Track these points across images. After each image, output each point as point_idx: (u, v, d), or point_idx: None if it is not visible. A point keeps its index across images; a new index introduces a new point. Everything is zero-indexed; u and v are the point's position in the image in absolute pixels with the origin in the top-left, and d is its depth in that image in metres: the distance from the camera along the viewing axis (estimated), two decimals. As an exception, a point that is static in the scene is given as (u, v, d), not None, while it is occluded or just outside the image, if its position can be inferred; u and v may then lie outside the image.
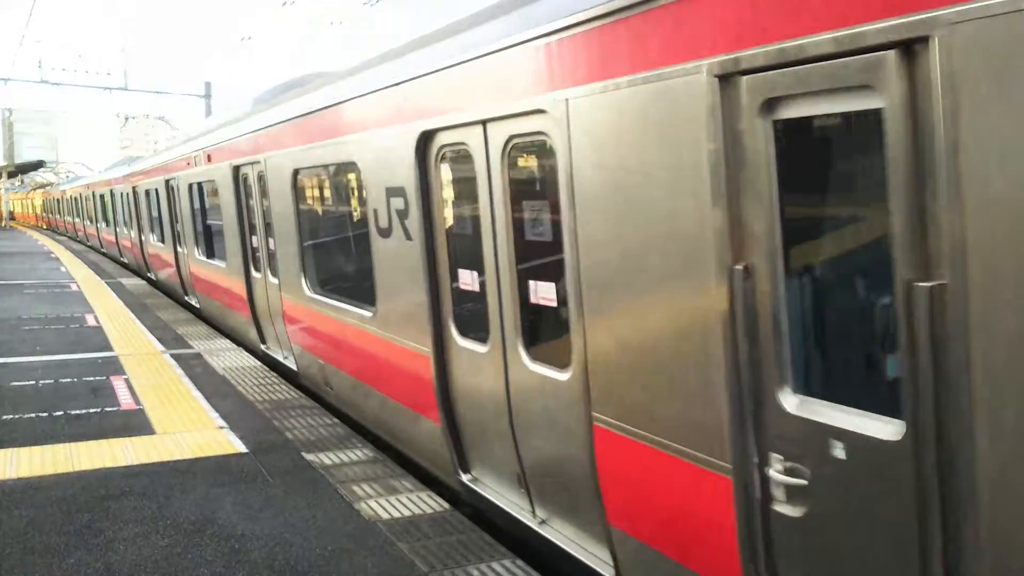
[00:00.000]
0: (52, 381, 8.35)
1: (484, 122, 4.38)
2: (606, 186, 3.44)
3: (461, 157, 4.78)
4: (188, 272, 13.78)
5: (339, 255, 7.51)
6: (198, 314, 13.26)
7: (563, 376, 4.00)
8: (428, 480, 5.63)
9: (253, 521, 4.80)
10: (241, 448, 6.19)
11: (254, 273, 9.63)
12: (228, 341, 10.80)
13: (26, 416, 7.05)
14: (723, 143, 2.81)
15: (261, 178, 8.75)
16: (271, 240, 8.71)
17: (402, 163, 5.19)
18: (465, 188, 4.83)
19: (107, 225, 26.51)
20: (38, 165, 53.71)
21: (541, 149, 4.16)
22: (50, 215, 54.10)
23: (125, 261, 23.29)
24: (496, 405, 4.64)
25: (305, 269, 7.72)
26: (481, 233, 4.56)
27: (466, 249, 4.83)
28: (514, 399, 4.47)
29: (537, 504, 4.50)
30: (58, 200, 47.94)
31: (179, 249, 14.35)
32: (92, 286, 17.34)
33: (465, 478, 5.14)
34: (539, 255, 4.23)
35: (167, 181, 14.44)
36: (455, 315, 5.04)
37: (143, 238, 18.91)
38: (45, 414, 7.12)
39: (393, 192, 5.38)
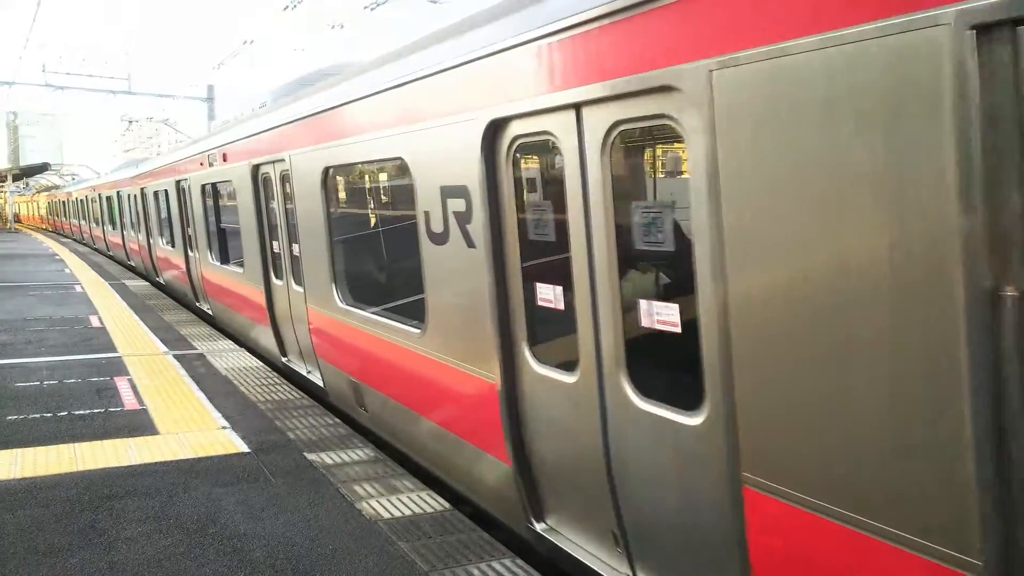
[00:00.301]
0: (56, 382, 8.39)
1: (577, 106, 3.65)
2: (774, 178, 2.69)
3: (543, 149, 4.15)
4: (200, 277, 13.24)
5: (379, 263, 6.86)
6: (210, 321, 12.78)
7: (691, 420, 3.25)
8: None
9: (255, 520, 4.82)
10: (243, 448, 6.22)
11: (275, 281, 9.00)
12: (230, 342, 10.83)
13: (31, 416, 7.09)
14: (978, 120, 2.09)
15: (285, 178, 8.08)
16: (295, 245, 8.00)
17: (464, 158, 4.47)
18: (548, 186, 4.20)
19: (113, 228, 25.99)
20: (43, 168, 53.83)
21: (659, 135, 3.48)
22: (55, 218, 54.11)
23: (132, 264, 22.81)
24: (588, 447, 3.91)
25: (336, 278, 6.99)
26: (570, 240, 3.85)
27: (548, 259, 4.15)
28: (614, 442, 3.76)
29: (641, 570, 3.83)
30: (63, 203, 47.42)
31: (190, 253, 13.73)
32: (96, 288, 17.40)
33: (539, 527, 4.45)
34: (654, 267, 3.63)
35: (178, 182, 13.87)
36: (530, 337, 4.31)
37: (151, 241, 18.26)
38: (49, 414, 7.16)
39: (451, 192, 4.68)
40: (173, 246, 15.21)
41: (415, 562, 4.24)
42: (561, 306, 4.03)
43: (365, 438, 6.50)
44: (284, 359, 9.08)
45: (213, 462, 5.90)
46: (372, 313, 6.32)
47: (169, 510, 5.00)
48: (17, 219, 63.29)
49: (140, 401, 7.64)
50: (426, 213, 5.03)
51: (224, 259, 11.53)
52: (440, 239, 4.91)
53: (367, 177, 6.86)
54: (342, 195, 7.33)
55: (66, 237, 43.86)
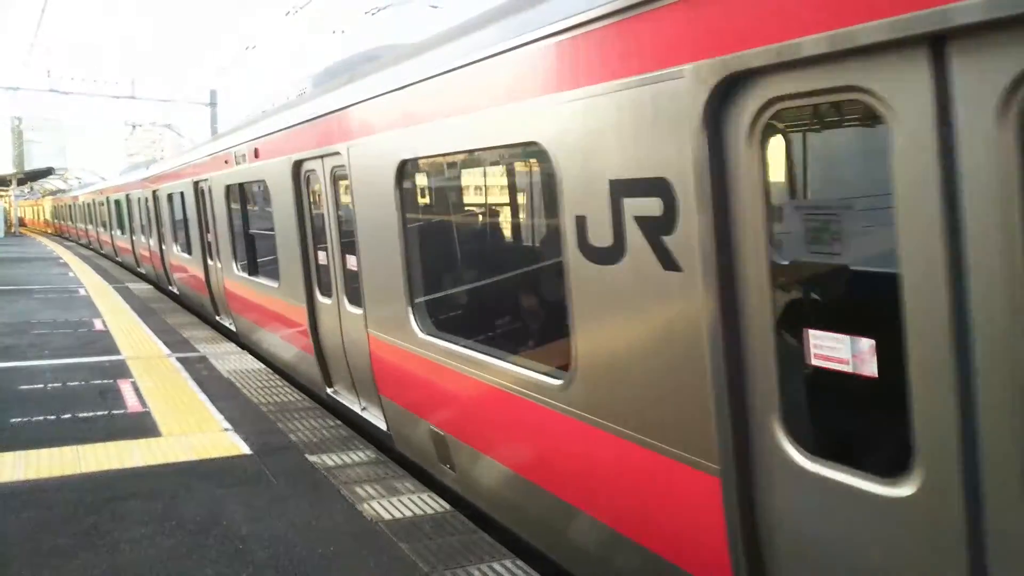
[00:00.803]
0: (60, 384, 8.43)
1: (939, 38, 2.17)
2: None
3: (834, 117, 2.93)
4: (222, 289, 11.78)
5: (486, 284, 5.48)
6: (233, 337, 11.51)
7: None
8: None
9: (257, 522, 4.85)
10: (245, 450, 6.25)
11: (320, 298, 7.55)
12: (232, 344, 10.87)
13: (35, 419, 7.13)
14: None
15: (338, 175, 6.71)
16: (351, 257, 6.59)
17: (663, 137, 3.08)
18: (834, 174, 3.09)
19: (122, 233, 24.82)
20: (47, 172, 54.03)
21: None
22: (61, 222, 54.10)
23: (142, 272, 21.61)
24: None
25: (414, 300, 5.48)
26: (904, 266, 2.34)
27: (837, 295, 3.12)
28: None
29: None
30: (70, 206, 46.04)
31: (210, 262, 12.36)
32: (100, 291, 17.47)
33: None
34: None
35: (196, 183, 12.55)
36: (786, 415, 2.82)
37: (164, 248, 16.91)
38: (53, 417, 7.20)
39: (632, 188, 3.29)
40: (190, 253, 13.91)
41: (416, 563, 4.26)
42: (870, 371, 2.56)
43: (362, 439, 6.53)
44: (330, 390, 7.63)
45: (215, 464, 5.93)
46: (473, 349, 4.82)
47: (172, 512, 5.03)
48: (22, 223, 63.48)
49: (143, 403, 7.68)
50: (579, 219, 3.63)
51: (253, 270, 10.10)
52: (606, 256, 3.47)
53: (466, 171, 5.50)
54: (425, 196, 5.95)
55: (70, 241, 43.96)
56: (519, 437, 4.38)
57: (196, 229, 13.02)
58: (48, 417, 7.19)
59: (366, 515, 4.92)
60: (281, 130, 8.01)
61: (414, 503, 5.10)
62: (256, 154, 8.94)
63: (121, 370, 9.18)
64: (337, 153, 6.51)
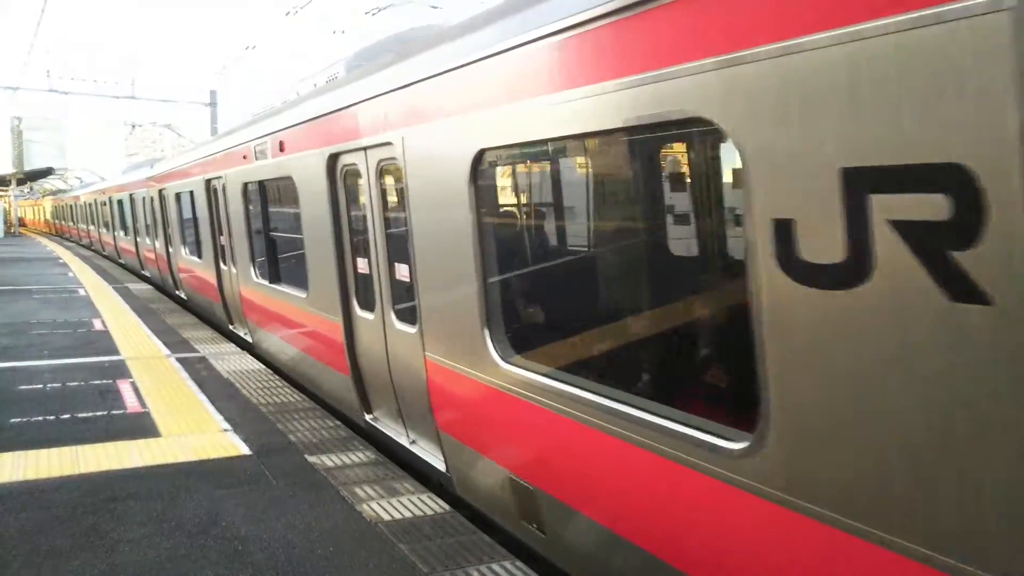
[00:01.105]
0: (59, 385, 8.42)
1: None
2: None
3: None
4: (237, 297, 10.89)
5: (602, 306, 4.44)
6: (250, 349, 10.68)
7: None
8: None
9: (256, 523, 4.84)
10: (245, 450, 6.24)
11: (359, 312, 6.60)
12: (232, 345, 10.86)
13: (34, 419, 7.12)
14: None
15: (387, 169, 5.83)
16: (401, 267, 5.76)
17: (960, 104, 2.10)
18: None
19: (125, 234, 23.57)
20: (47, 172, 54.06)
21: None
22: (62, 222, 53.32)
23: (147, 275, 20.59)
24: None
25: (491, 322, 4.56)
26: None
27: None
28: None
29: None
30: (71, 206, 44.41)
31: (223, 267, 11.45)
32: (99, 291, 17.46)
33: None
34: None
35: (208, 182, 11.58)
36: None
37: (171, 251, 15.85)
38: (52, 417, 7.19)
39: (890, 180, 2.31)
40: (200, 257, 12.92)
41: (416, 564, 4.26)
42: None
43: (361, 439, 6.52)
44: (369, 417, 6.72)
45: (215, 465, 5.92)
46: (581, 388, 3.84)
47: (171, 512, 5.02)
48: (21, 223, 63.49)
49: (142, 404, 7.67)
50: (779, 224, 2.65)
51: (275, 277, 9.02)
52: (832, 277, 2.50)
53: (566, 161, 4.55)
54: (516, 193, 5.00)
55: (70, 241, 43.91)
56: (657, 506, 3.39)
57: (208, 231, 12.02)
58: (47, 417, 7.19)
59: (366, 516, 4.92)
60: (314, 118, 7.00)
61: (414, 504, 5.09)
62: (281, 147, 7.93)
63: (120, 370, 9.17)
64: (389, 143, 5.52)
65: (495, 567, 4.21)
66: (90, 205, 33.52)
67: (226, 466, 5.89)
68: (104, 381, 8.61)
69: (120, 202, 23.81)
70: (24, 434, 6.67)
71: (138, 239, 21.07)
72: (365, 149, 6.00)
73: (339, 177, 6.69)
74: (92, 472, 5.76)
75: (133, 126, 44.91)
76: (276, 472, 5.73)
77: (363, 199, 6.26)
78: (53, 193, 60.74)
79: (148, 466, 5.90)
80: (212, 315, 12.90)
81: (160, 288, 18.32)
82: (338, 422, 7.02)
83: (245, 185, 9.69)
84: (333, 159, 6.66)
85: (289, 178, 7.78)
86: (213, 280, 12.12)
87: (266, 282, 9.29)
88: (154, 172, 17.40)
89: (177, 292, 16.05)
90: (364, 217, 6.26)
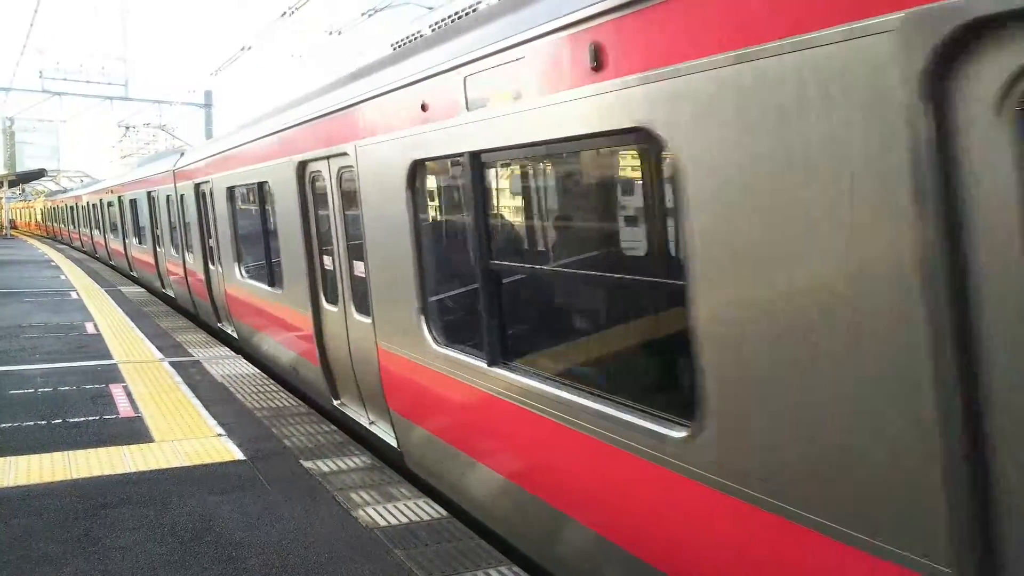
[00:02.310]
0: (51, 389, 8.35)
1: None
2: None
3: None
4: (364, 363, 6.77)
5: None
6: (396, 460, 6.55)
7: None
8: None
9: (251, 529, 4.80)
10: (239, 455, 6.19)
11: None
12: (227, 349, 10.80)
13: (25, 424, 7.05)
14: None
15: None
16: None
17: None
18: None
19: (140, 241, 19.35)
20: (39, 174, 53.80)
21: None
22: (59, 225, 50.03)
23: (170, 295, 16.20)
24: None
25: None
26: None
27: None
28: None
29: None
30: (71, 207, 39.06)
31: (356, 317, 6.55)
32: (92, 294, 17.36)
33: None
34: None
35: (303, 166, 7.22)
36: None
37: (209, 266, 12.12)
38: (44, 422, 7.13)
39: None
40: (273, 285, 8.79)
41: (412, 570, 4.22)
42: None
43: (357, 444, 6.48)
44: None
45: (208, 470, 5.87)
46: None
47: (164, 518, 4.97)
48: (13, 226, 63.22)
49: (135, 408, 7.61)
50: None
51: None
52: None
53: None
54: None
55: (62, 244, 43.60)
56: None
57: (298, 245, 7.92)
58: (39, 422, 7.12)
59: (361, 522, 4.87)
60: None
61: (410, 509, 5.05)
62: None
63: (113, 374, 9.11)
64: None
65: (492, 572, 4.18)
66: (94, 207, 28.98)
67: (220, 471, 5.83)
68: (96, 385, 8.55)
69: (133, 201, 19.44)
70: (15, 439, 6.60)
71: (159, 249, 16.70)
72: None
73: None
74: (84, 477, 5.70)
75: (127, 128, 44.76)
76: (270, 477, 5.68)
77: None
78: (52, 194, 59.96)
79: (141, 471, 5.85)
80: (302, 383, 8.28)
81: (187, 315, 14.19)
82: (333, 427, 6.98)
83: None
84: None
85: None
86: (309, 329, 7.56)
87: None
88: (178, 165, 13.66)
89: (220, 326, 11.92)
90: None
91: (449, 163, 5.03)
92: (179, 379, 8.86)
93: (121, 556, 4.45)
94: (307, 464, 5.95)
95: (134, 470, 5.87)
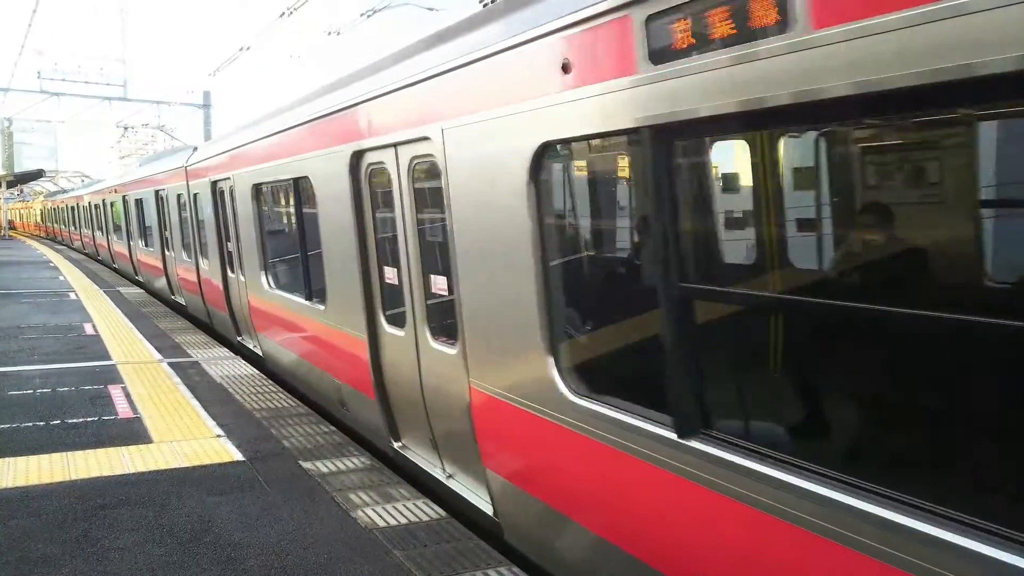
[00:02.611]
0: (50, 390, 8.34)
1: None
2: None
3: None
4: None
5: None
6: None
7: None
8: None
9: (249, 529, 4.79)
10: (238, 456, 6.19)
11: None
12: (225, 350, 10.78)
13: (23, 425, 7.05)
14: None
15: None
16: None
17: None
18: None
19: (146, 244, 17.92)
20: (38, 174, 53.73)
21: None
22: (61, 227, 49.27)
23: (180, 302, 14.87)
24: None
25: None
26: None
27: None
28: None
29: None
30: (72, 208, 37.28)
31: (396, 330, 5.87)
32: (91, 295, 17.34)
33: None
34: None
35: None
36: None
37: (228, 273, 10.80)
38: (42, 423, 7.12)
39: None
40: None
41: (411, 571, 4.22)
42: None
43: (356, 445, 6.47)
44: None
45: (207, 471, 5.87)
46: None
47: (163, 519, 4.97)
48: (11, 226, 63.13)
49: (134, 409, 7.60)
50: None
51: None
52: None
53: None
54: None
55: (61, 245, 43.52)
56: None
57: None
58: (37, 423, 7.11)
59: (360, 522, 4.87)
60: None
61: (409, 510, 5.05)
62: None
63: (112, 375, 9.10)
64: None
65: (491, 573, 4.18)
66: (97, 207, 27.09)
67: (219, 472, 5.83)
68: (95, 386, 8.54)
69: (139, 201, 18.04)
70: (14, 440, 6.60)
71: (167, 252, 15.33)
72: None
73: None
74: (83, 479, 5.70)
75: (125, 128, 44.72)
76: (269, 478, 5.68)
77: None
78: (54, 195, 59.56)
79: (139, 472, 5.84)
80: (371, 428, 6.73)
81: (206, 328, 12.69)
82: (332, 427, 6.97)
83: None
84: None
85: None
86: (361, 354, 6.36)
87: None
88: (200, 158, 11.93)
89: (241, 341, 10.81)
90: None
91: (601, 143, 3.75)
92: (178, 380, 8.86)
93: (120, 557, 4.45)
94: (306, 465, 5.95)
95: (133, 471, 5.87)
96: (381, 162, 5.65)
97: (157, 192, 15.60)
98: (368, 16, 17.73)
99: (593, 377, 3.82)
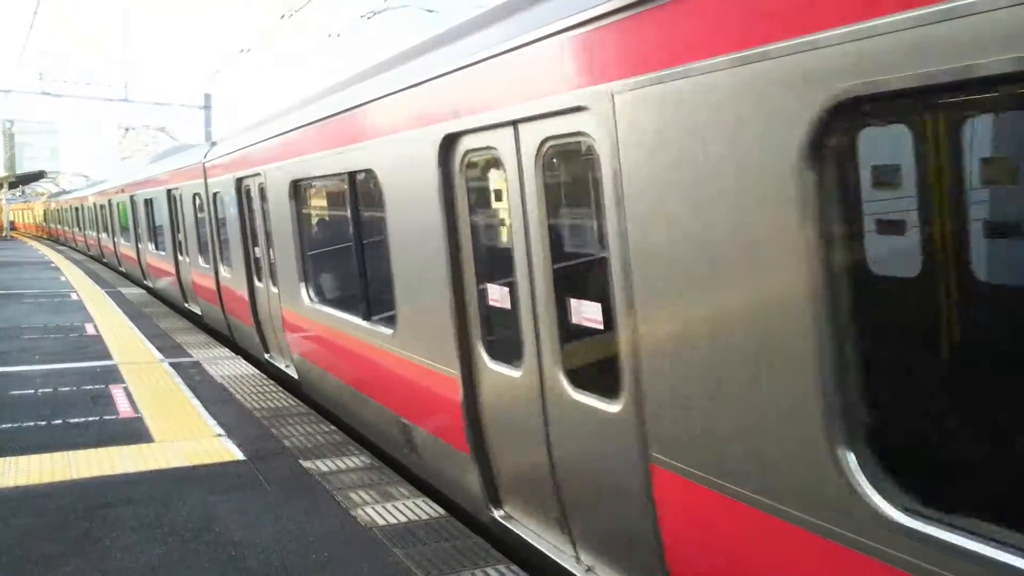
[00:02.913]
0: (51, 390, 8.37)
1: None
2: None
3: None
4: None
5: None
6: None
7: None
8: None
9: (250, 528, 4.81)
10: (239, 456, 6.21)
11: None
12: (226, 350, 10.80)
13: (25, 424, 7.07)
14: None
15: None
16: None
17: None
18: None
19: (155, 248, 16.77)
20: (39, 175, 53.85)
21: None
22: (64, 228, 44.69)
23: (195, 311, 13.74)
24: None
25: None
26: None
27: None
28: None
29: None
30: (76, 209, 35.65)
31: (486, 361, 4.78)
32: (92, 295, 17.37)
33: None
34: None
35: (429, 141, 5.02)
36: None
37: (256, 283, 9.58)
38: (44, 422, 7.14)
39: None
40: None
41: (411, 569, 4.24)
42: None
43: (356, 444, 6.49)
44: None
45: (208, 470, 5.89)
46: None
47: (164, 518, 4.99)
48: (12, 227, 63.23)
49: (135, 409, 7.63)
50: None
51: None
52: None
53: None
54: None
55: (62, 245, 43.53)
56: None
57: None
58: (39, 423, 7.14)
59: (360, 521, 4.89)
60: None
61: (408, 509, 5.07)
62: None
63: (113, 375, 9.13)
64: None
65: (490, 571, 4.20)
66: (102, 207, 25.53)
67: (220, 471, 5.85)
68: (96, 386, 8.56)
69: (148, 201, 16.80)
70: (15, 440, 6.62)
71: (180, 257, 14.18)
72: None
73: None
74: (84, 478, 5.72)
75: (127, 129, 44.81)
76: (270, 477, 5.70)
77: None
78: (55, 195, 59.52)
79: (141, 472, 5.86)
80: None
81: (224, 340, 11.87)
82: (332, 426, 6.98)
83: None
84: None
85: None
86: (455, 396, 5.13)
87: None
88: (220, 154, 10.70)
89: (270, 359, 9.62)
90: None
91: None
92: (179, 380, 8.88)
93: (121, 556, 4.47)
94: (306, 464, 5.97)
95: (134, 470, 5.89)
96: (488, 147, 4.35)
97: (170, 191, 14.21)
98: (368, 18, 17.75)
99: (930, 484, 2.32)
